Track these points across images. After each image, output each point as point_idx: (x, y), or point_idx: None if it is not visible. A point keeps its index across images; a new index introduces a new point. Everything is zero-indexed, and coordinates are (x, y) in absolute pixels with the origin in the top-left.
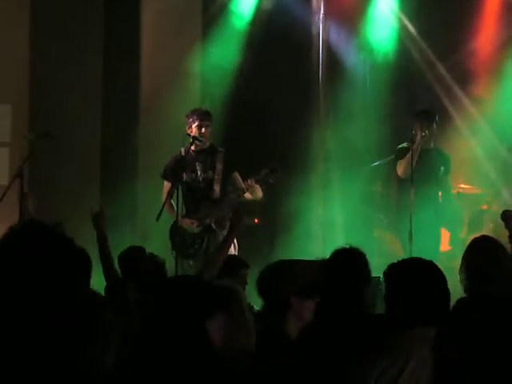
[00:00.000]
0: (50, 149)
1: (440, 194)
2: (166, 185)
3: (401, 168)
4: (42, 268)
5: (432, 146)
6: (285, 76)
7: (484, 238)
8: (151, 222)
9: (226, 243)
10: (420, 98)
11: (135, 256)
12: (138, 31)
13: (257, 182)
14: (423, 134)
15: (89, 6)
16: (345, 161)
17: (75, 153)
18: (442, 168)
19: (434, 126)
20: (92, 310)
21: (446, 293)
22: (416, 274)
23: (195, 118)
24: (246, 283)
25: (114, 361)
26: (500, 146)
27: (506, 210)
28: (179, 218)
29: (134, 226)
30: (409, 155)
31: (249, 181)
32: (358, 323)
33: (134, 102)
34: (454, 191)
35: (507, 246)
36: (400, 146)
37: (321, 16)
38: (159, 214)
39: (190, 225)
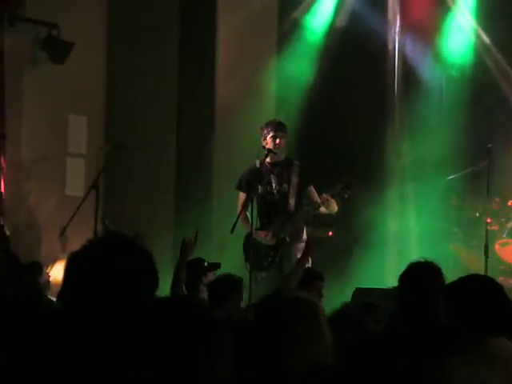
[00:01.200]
0: (126, 160)
1: None
2: (241, 196)
3: None
4: (124, 281)
5: None
6: (360, 89)
7: None
8: (226, 234)
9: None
10: (496, 110)
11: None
12: (214, 46)
13: (332, 196)
14: None
15: (165, 19)
16: (420, 174)
17: (150, 164)
18: None
19: None
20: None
21: (506, 306)
22: (476, 290)
23: (270, 129)
24: (321, 295)
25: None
26: None
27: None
28: (253, 230)
29: (209, 238)
30: None
31: (324, 195)
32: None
33: (209, 115)
34: None
35: None
36: None
37: (397, 28)
38: (234, 226)
39: (264, 237)
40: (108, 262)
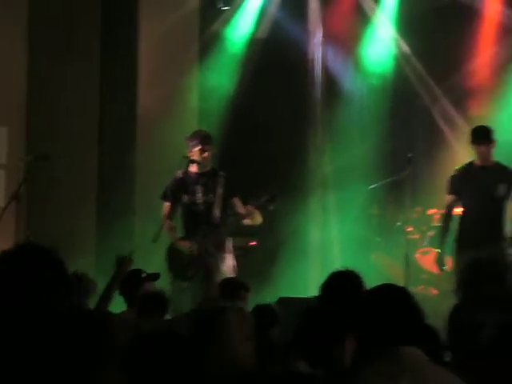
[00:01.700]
0: (48, 171)
1: None
2: (165, 206)
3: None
4: (32, 291)
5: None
6: (282, 99)
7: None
8: (149, 244)
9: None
10: (417, 120)
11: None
12: (136, 56)
13: (257, 207)
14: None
15: (86, 30)
16: (342, 183)
17: (72, 175)
18: (504, 185)
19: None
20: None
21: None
22: (386, 299)
23: (197, 141)
24: (246, 305)
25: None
26: None
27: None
28: (177, 239)
29: (131, 247)
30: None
31: (249, 207)
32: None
33: (131, 125)
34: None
35: None
36: (451, 175)
37: (318, 39)
38: (156, 235)
39: (187, 247)
40: (18, 273)
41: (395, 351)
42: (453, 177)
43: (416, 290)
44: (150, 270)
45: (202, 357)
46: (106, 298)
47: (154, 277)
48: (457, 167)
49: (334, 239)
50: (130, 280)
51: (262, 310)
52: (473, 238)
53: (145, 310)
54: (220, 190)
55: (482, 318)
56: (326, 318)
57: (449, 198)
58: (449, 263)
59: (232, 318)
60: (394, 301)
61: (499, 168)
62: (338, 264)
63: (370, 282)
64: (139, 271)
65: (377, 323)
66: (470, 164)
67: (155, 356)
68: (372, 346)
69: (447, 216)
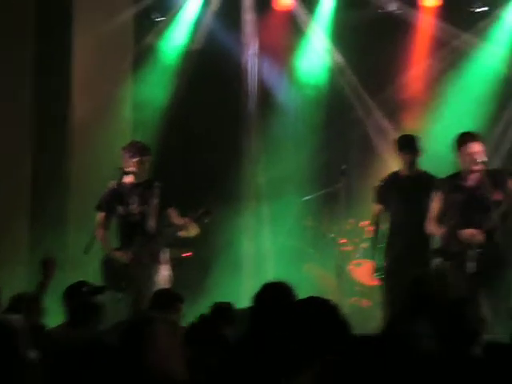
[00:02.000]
0: None
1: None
2: (99, 216)
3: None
4: None
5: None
6: (216, 111)
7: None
8: (83, 255)
9: None
10: (351, 131)
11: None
12: (70, 66)
13: (193, 220)
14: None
15: (20, 41)
16: (276, 195)
17: (5, 184)
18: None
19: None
20: None
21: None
22: (311, 312)
23: (134, 152)
24: (180, 316)
25: None
26: None
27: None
28: (111, 250)
29: (65, 259)
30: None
31: (186, 219)
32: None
33: (65, 136)
34: None
35: None
36: (376, 185)
37: (252, 50)
38: (88, 246)
39: (122, 257)
40: None
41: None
42: (379, 187)
43: (349, 301)
44: (84, 279)
45: (130, 368)
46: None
47: (99, 290)
48: (382, 177)
49: (268, 250)
50: (71, 293)
51: (222, 310)
52: (399, 248)
53: (75, 320)
54: (155, 201)
55: (418, 330)
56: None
57: (375, 207)
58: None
59: (160, 328)
60: (319, 313)
61: (425, 177)
62: (271, 275)
63: (303, 293)
64: (82, 284)
65: (303, 335)
66: (396, 173)
67: (82, 367)
68: (300, 358)
69: (375, 226)
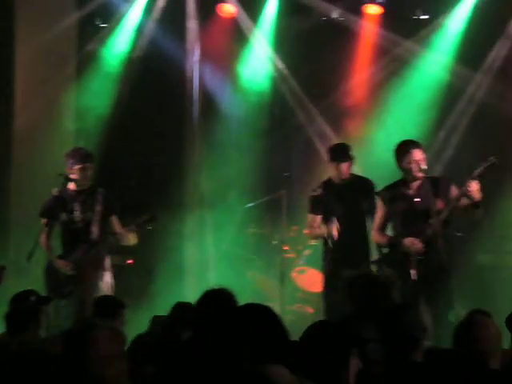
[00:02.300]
0: None
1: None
2: (42, 223)
3: (308, 232)
4: None
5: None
6: (159, 118)
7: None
8: (25, 262)
9: None
10: (294, 138)
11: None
12: (12, 74)
13: (136, 226)
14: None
15: None
16: (219, 202)
17: None
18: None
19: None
20: None
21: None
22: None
23: (77, 159)
24: (123, 323)
25: None
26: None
27: None
28: (54, 257)
29: (7, 265)
30: (316, 233)
31: (127, 228)
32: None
33: (7, 142)
34: None
35: None
36: (311, 195)
37: (196, 57)
38: (31, 253)
39: (65, 267)
40: None
41: (263, 369)
42: (313, 196)
43: (292, 308)
44: (26, 286)
45: (72, 375)
46: None
47: (47, 300)
48: (315, 187)
49: (211, 257)
50: (18, 301)
51: (184, 308)
52: (339, 254)
53: (13, 327)
54: (98, 208)
55: (366, 334)
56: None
57: (310, 217)
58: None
59: (102, 335)
60: (258, 320)
61: (360, 181)
62: (214, 282)
63: (246, 300)
64: (30, 294)
65: (241, 342)
66: (329, 181)
67: (20, 375)
68: (238, 364)
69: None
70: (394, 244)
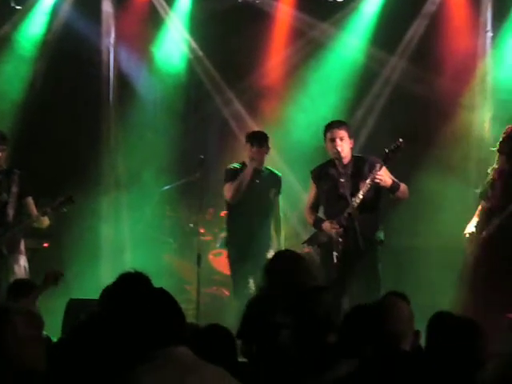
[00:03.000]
0: None
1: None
2: None
3: (230, 192)
4: None
5: (263, 167)
6: (75, 101)
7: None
8: None
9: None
10: (210, 121)
11: None
12: None
13: (51, 209)
14: (253, 158)
15: None
16: (135, 185)
17: None
18: (274, 189)
19: (266, 147)
20: None
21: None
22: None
23: None
24: (36, 305)
25: None
26: (287, 170)
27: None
28: None
29: None
30: (239, 180)
31: (42, 210)
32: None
33: None
34: None
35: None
36: (230, 167)
37: (111, 40)
38: None
39: None
40: None
41: (164, 352)
42: (230, 168)
43: (208, 290)
44: None
45: None
46: None
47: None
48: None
49: (127, 240)
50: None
51: None
52: (242, 236)
53: None
54: (15, 189)
55: (280, 320)
56: None
57: (227, 186)
58: None
59: (18, 318)
60: (155, 303)
61: (269, 173)
62: (129, 265)
63: (162, 283)
64: None
65: (141, 325)
66: (245, 164)
67: None
68: (141, 348)
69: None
70: (318, 225)
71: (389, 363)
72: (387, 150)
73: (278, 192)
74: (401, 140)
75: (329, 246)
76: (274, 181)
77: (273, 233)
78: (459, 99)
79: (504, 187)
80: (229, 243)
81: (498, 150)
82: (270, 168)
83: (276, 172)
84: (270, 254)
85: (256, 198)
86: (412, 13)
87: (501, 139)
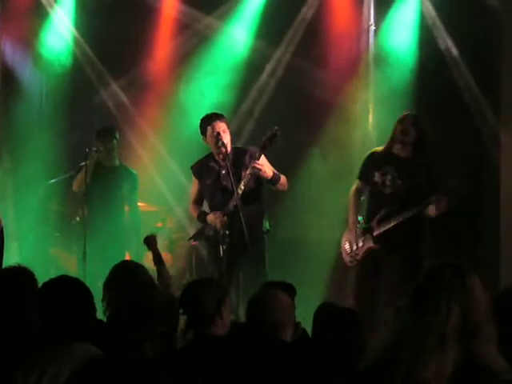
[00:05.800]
0: None
1: (127, 211)
2: None
3: (76, 183)
4: None
5: (117, 163)
6: None
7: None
8: None
9: None
10: (95, 116)
11: None
12: None
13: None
14: (96, 150)
15: None
16: (21, 178)
17: None
18: (127, 185)
19: (114, 142)
20: None
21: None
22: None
23: None
24: None
25: None
26: (172, 164)
27: (148, 236)
28: None
29: None
30: (83, 171)
31: None
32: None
33: None
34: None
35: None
36: (82, 164)
37: None
38: None
39: None
40: None
41: (65, 348)
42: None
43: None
44: None
45: None
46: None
47: None
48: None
49: (12, 234)
50: None
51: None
52: None
53: None
54: None
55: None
56: None
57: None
58: None
59: None
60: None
61: (124, 168)
62: (16, 260)
63: (49, 277)
64: None
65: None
66: (99, 165)
67: None
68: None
69: None
70: (203, 219)
71: (268, 353)
72: (264, 139)
73: (133, 188)
74: (276, 127)
75: (215, 239)
76: (129, 177)
77: None
78: (343, 92)
79: (410, 185)
80: None
81: (402, 142)
82: (125, 165)
83: (131, 169)
84: None
85: (106, 192)
86: (298, 6)
87: (400, 130)
